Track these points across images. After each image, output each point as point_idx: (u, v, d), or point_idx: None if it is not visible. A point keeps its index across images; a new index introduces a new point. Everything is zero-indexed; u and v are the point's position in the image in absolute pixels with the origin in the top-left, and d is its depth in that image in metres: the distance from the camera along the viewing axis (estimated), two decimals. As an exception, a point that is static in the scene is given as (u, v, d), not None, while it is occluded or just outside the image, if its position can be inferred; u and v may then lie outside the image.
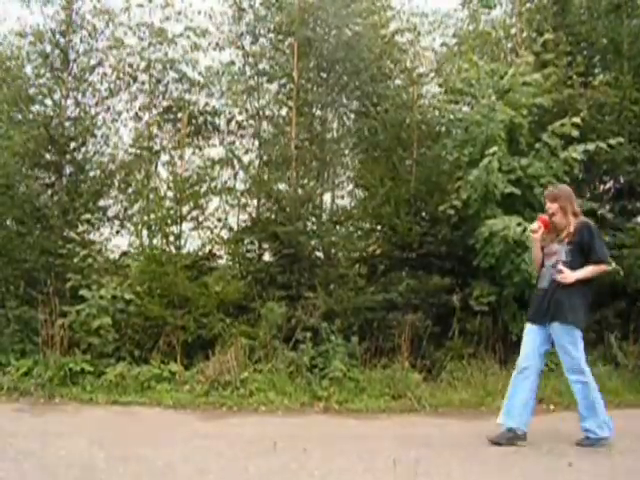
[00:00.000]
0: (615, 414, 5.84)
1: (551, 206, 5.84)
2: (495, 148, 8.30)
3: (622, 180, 10.01)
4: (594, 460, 5.17)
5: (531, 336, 5.89)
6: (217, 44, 10.45)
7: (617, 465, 5.08)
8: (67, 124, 9.66)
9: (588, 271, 5.67)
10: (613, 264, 6.38)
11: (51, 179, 9.69)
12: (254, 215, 9.94)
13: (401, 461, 4.94)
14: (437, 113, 10.23)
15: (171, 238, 9.18)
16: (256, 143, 10.47)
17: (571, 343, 5.70)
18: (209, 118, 10.46)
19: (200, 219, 9.57)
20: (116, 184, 10.07)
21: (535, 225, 5.98)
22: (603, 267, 5.75)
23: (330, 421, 5.92)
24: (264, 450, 5.22)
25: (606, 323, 8.78)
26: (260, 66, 10.41)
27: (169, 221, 9.15)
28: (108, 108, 10.26)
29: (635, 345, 8.66)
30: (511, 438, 5.66)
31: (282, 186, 9.97)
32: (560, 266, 5.67)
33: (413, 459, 5.03)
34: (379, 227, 9.95)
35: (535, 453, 5.41)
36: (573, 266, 5.66)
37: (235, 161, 10.27)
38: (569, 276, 5.63)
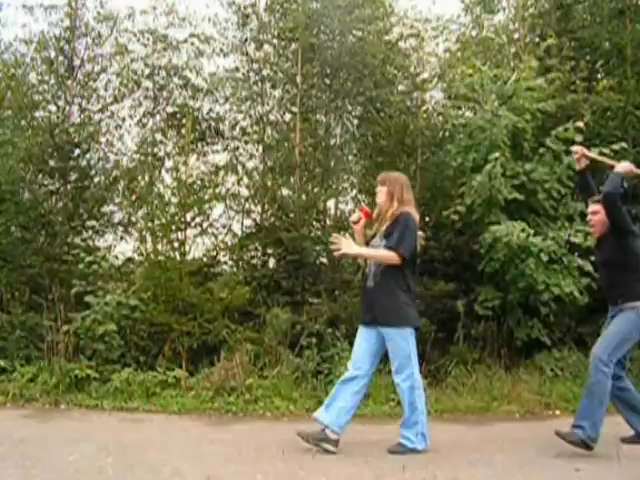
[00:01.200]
0: (621, 419, 5.83)
1: (380, 189, 5.59)
2: (497, 154, 8.31)
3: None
4: (602, 466, 5.16)
5: (361, 338, 5.65)
6: (221, 50, 10.51)
7: (625, 471, 5.07)
8: (71, 130, 9.67)
9: (372, 251, 5.47)
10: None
11: (56, 185, 9.70)
12: (258, 221, 9.97)
13: (409, 467, 4.95)
14: (441, 119, 10.28)
15: (175, 244, 9.19)
16: (260, 149, 10.51)
17: (398, 345, 5.42)
18: (213, 124, 10.50)
19: (204, 225, 9.59)
20: (120, 190, 10.09)
21: (355, 216, 5.73)
22: (393, 256, 5.31)
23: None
24: (271, 456, 5.22)
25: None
26: (264, 72, 10.46)
27: (173, 227, 9.16)
28: (112, 114, 10.33)
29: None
30: (321, 440, 5.46)
31: (286, 192, 10.00)
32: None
33: (421, 464, 5.03)
34: (383, 233, 9.95)
35: (542, 458, 5.40)
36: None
37: (239, 167, 10.32)
38: (343, 248, 5.44)
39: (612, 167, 5.79)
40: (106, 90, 10.22)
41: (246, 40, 10.51)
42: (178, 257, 9.17)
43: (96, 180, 10.03)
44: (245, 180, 10.32)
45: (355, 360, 5.61)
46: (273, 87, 10.55)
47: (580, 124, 8.54)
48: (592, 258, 8.15)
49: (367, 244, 5.63)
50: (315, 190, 10.26)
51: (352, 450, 5.56)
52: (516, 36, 10.98)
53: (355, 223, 5.69)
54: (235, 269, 9.93)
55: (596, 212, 5.79)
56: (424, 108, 10.52)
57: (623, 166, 5.70)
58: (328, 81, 10.37)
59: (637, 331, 5.58)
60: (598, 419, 5.32)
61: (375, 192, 5.71)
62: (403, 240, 5.32)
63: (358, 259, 6.19)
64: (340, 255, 5.62)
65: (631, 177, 5.99)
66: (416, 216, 5.55)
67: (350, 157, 10.81)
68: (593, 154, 6.35)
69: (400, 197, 5.48)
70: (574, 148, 6.11)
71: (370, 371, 5.63)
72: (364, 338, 5.62)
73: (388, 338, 5.46)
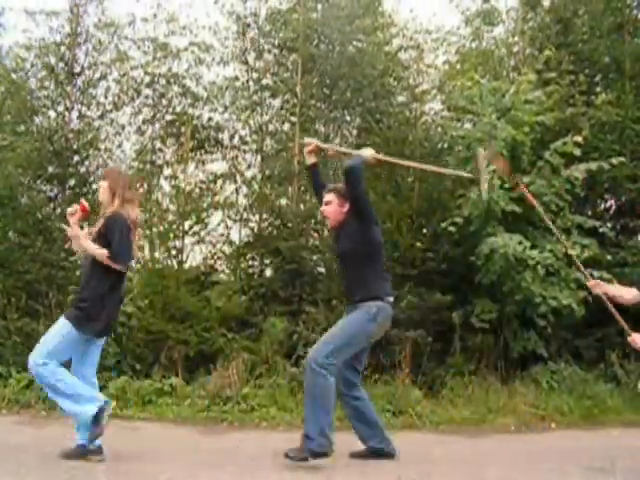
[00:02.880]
0: (617, 433, 5.83)
1: (101, 184, 5.34)
2: (495, 166, 8.32)
3: (623, 198, 10.04)
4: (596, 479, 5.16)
5: None
6: (221, 59, 10.54)
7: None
8: (71, 137, 9.68)
9: (94, 248, 5.07)
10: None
11: (54, 191, 9.71)
12: (256, 230, 9.98)
13: (405, 478, 4.94)
14: (440, 130, 10.29)
15: (173, 252, 9.21)
16: (259, 158, 10.53)
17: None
18: (212, 133, 10.52)
19: (202, 233, 9.61)
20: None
21: (71, 209, 5.36)
22: (112, 263, 5.08)
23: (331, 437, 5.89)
24: (267, 466, 5.20)
25: (608, 341, 8.78)
26: (264, 81, 10.49)
27: (171, 235, 9.17)
28: (112, 121, 10.34)
29: (636, 364, 8.66)
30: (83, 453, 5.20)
31: (284, 201, 10.01)
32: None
33: (416, 476, 5.02)
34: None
35: (536, 472, 5.39)
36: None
37: (238, 176, 10.32)
38: (70, 233, 5.23)
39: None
40: (106, 97, 10.23)
41: (246, 49, 10.55)
42: (175, 265, 9.19)
43: (94, 187, 10.01)
44: (243, 189, 10.36)
45: None
46: (273, 96, 10.58)
47: (578, 138, 8.57)
48: (589, 271, 8.18)
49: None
50: (313, 200, 10.26)
51: (348, 461, 5.55)
52: (515, 49, 11.02)
53: (71, 215, 5.31)
54: (232, 278, 9.93)
55: (329, 202, 5.59)
56: (423, 119, 10.55)
57: (367, 151, 5.61)
58: (327, 91, 10.40)
59: (364, 335, 5.34)
60: (326, 424, 5.15)
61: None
62: (119, 247, 5.07)
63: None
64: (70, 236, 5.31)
65: (373, 164, 5.91)
66: (134, 214, 5.29)
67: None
68: (327, 145, 6.28)
69: (123, 196, 5.22)
70: (306, 140, 5.98)
71: None
72: None
73: None
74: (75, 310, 5.17)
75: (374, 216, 5.56)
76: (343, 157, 6.19)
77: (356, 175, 5.36)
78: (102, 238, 5.12)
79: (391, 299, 5.45)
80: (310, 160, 5.97)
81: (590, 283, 5.85)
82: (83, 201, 5.44)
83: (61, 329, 5.09)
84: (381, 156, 5.82)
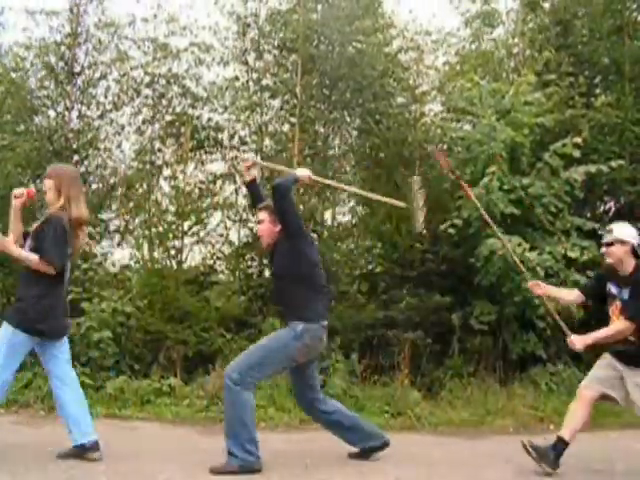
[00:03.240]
0: (615, 435, 5.83)
1: (46, 182, 5.25)
2: (494, 168, 8.34)
3: (623, 200, 10.04)
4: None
5: None
6: (221, 59, 10.48)
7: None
8: (70, 136, 9.66)
9: (19, 252, 5.02)
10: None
11: (53, 191, 9.67)
12: (255, 231, 9.94)
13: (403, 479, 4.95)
14: (439, 131, 10.28)
15: (172, 252, 9.21)
16: (258, 159, 10.50)
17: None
18: (212, 133, 10.47)
19: (202, 234, 9.62)
20: (118, 197, 10.07)
21: (19, 190, 5.35)
22: (37, 263, 4.99)
23: (330, 438, 5.88)
24: (265, 466, 5.19)
25: (606, 344, 8.76)
26: (264, 82, 10.45)
27: (171, 235, 9.18)
28: (111, 121, 10.28)
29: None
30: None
31: (283, 202, 9.98)
32: None
33: (415, 477, 5.03)
34: (380, 244, 9.97)
35: (535, 474, 5.39)
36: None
37: (237, 176, 10.30)
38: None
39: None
40: (106, 97, 10.19)
41: (246, 50, 10.52)
42: (175, 265, 9.20)
43: (94, 187, 10.03)
44: (243, 189, 10.32)
45: None
46: (272, 97, 10.56)
47: (578, 140, 8.58)
48: (588, 273, 8.19)
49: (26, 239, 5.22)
50: (312, 201, 10.27)
51: (346, 462, 5.56)
52: (515, 51, 11.01)
53: (16, 197, 5.27)
54: (231, 278, 9.94)
55: (262, 221, 5.53)
56: (422, 121, 10.54)
57: (302, 171, 5.59)
58: (327, 92, 10.38)
59: (284, 354, 5.23)
60: (247, 439, 5.09)
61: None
62: (53, 247, 4.99)
63: None
64: None
65: (307, 184, 5.88)
66: (78, 212, 5.20)
67: (348, 168, 10.81)
68: (265, 163, 6.34)
69: (67, 193, 5.15)
70: (244, 157, 5.92)
71: None
72: None
73: None
74: (12, 310, 5.17)
75: (306, 234, 5.50)
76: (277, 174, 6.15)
77: (281, 192, 5.24)
78: (37, 238, 5.08)
79: (324, 322, 5.33)
80: (248, 177, 5.88)
81: (530, 284, 5.88)
82: (32, 189, 5.51)
83: (4, 335, 5.04)
84: (316, 177, 5.78)
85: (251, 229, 9.99)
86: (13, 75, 10.17)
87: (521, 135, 8.67)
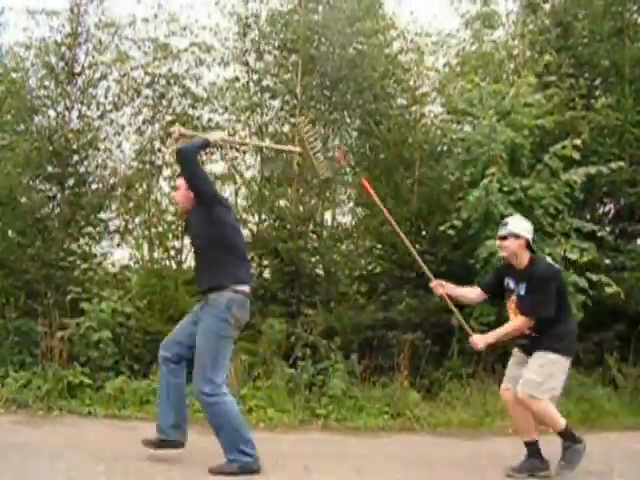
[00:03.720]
0: (615, 437, 5.83)
1: None
2: (493, 169, 8.34)
3: (622, 202, 10.04)
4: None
5: None
6: (222, 60, 10.48)
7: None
8: (70, 136, 9.65)
9: None
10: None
11: (53, 191, 9.67)
12: (255, 231, 9.95)
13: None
14: (439, 133, 10.30)
15: (172, 252, 9.21)
16: (258, 159, 10.51)
17: None
18: (212, 133, 10.47)
19: (201, 234, 9.58)
20: (118, 197, 10.08)
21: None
22: None
23: (329, 439, 5.91)
24: (264, 467, 5.19)
25: (606, 345, 8.78)
26: (264, 82, 10.46)
27: (170, 235, 9.17)
28: (111, 121, 10.28)
29: (634, 367, 8.68)
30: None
31: (283, 203, 10.00)
32: None
33: (413, 478, 5.02)
34: (379, 245, 9.98)
35: (532, 477, 5.39)
36: None
37: (237, 177, 10.31)
38: None
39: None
40: (106, 97, 10.19)
41: (247, 50, 10.52)
42: (174, 265, 9.19)
43: (94, 187, 10.01)
44: (243, 190, 10.35)
45: None
46: (273, 98, 10.56)
47: (578, 141, 8.58)
48: (588, 275, 8.20)
49: None
50: (312, 201, 10.29)
51: (344, 462, 5.56)
52: (515, 52, 11.01)
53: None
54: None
55: (178, 187, 5.46)
56: (423, 122, 10.56)
57: (215, 133, 5.56)
58: (328, 93, 10.40)
59: (224, 337, 5.17)
60: (241, 442, 5.08)
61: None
62: None
63: None
64: None
65: (221, 144, 5.83)
66: None
67: (348, 169, 10.82)
68: (190, 132, 5.99)
69: None
70: (172, 129, 5.79)
71: None
72: None
73: None
74: None
75: (218, 198, 5.33)
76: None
77: (183, 157, 5.16)
78: None
79: (245, 288, 5.21)
80: (176, 145, 5.58)
81: (432, 284, 5.87)
82: None
83: None
84: (229, 138, 5.76)
85: (251, 230, 9.98)
86: (13, 75, 10.19)
87: (521, 137, 8.66)
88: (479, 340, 5.52)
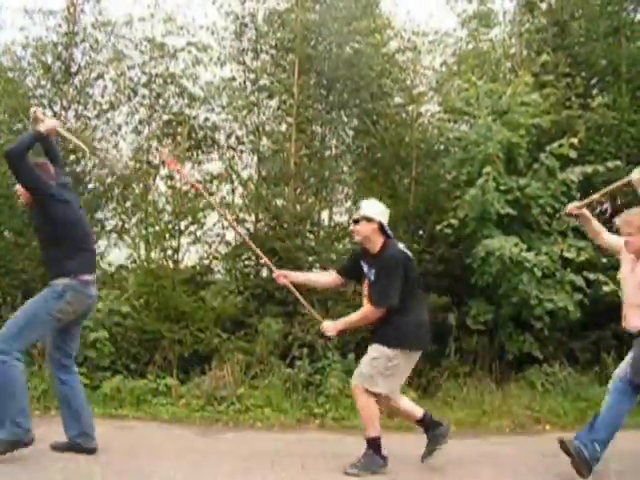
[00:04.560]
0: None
1: None
2: (490, 168, 8.34)
3: (619, 201, 10.03)
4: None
5: None
6: (218, 59, 10.46)
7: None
8: (67, 136, 9.64)
9: None
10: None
11: (50, 191, 9.65)
12: (252, 231, 9.94)
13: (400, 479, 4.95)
14: (436, 132, 10.30)
15: (169, 252, 9.20)
16: (255, 159, 10.49)
17: None
18: (209, 133, 10.46)
19: (198, 234, 9.62)
20: (114, 197, 10.07)
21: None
22: None
23: (326, 438, 5.91)
24: (261, 466, 5.21)
25: (603, 344, 8.78)
26: (261, 82, 10.44)
27: (167, 235, 9.17)
28: (108, 121, 10.28)
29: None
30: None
31: (280, 202, 10.00)
32: None
33: (411, 478, 5.03)
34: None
35: (531, 474, 5.40)
36: None
37: (234, 176, 10.31)
38: None
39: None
40: (102, 97, 10.18)
41: (243, 50, 10.51)
42: (171, 265, 9.19)
43: (90, 186, 10.02)
44: (240, 189, 10.33)
45: None
46: (269, 97, 10.54)
47: (574, 140, 8.58)
48: (585, 274, 8.21)
49: None
50: (309, 201, 10.28)
51: (342, 461, 5.55)
52: (512, 51, 11.02)
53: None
54: (228, 278, 9.92)
55: None
56: (420, 121, 10.57)
57: (48, 123, 5.40)
58: (324, 92, 10.40)
59: (47, 314, 5.16)
60: (15, 412, 5.04)
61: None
62: None
63: None
64: None
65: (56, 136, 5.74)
66: None
67: (345, 168, 10.80)
68: (66, 133, 6.02)
69: None
70: (32, 109, 5.65)
71: None
72: None
73: None
74: None
75: (54, 194, 5.24)
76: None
77: (10, 159, 5.09)
78: None
79: (87, 277, 5.31)
80: (39, 130, 5.40)
81: (275, 275, 5.91)
82: None
83: None
84: (63, 131, 5.71)
85: (248, 229, 9.98)
86: (10, 74, 10.16)
87: (518, 136, 8.67)
88: (329, 327, 5.53)
